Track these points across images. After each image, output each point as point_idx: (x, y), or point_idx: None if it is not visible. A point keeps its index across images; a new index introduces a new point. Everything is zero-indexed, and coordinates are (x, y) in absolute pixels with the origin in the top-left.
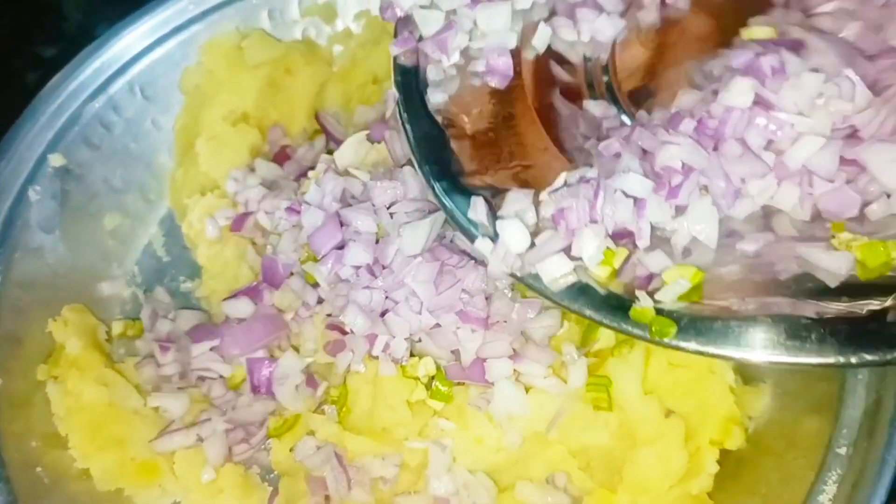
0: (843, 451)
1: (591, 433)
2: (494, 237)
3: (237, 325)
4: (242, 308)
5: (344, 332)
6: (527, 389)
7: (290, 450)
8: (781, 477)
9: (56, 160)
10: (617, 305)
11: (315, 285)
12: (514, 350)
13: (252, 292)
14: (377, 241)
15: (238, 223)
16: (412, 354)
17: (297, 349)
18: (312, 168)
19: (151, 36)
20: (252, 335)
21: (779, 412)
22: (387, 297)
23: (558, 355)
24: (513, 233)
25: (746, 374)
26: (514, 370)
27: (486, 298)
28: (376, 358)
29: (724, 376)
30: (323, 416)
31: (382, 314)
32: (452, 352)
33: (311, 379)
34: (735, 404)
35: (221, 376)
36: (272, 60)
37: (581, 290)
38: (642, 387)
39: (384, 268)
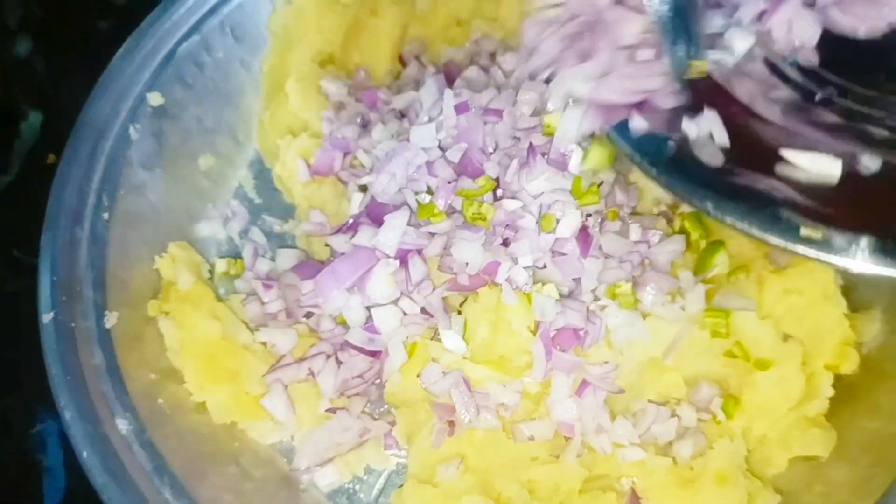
0: None
1: (705, 359)
2: None
3: (338, 261)
4: (345, 244)
5: None
6: (644, 316)
7: (417, 376)
8: None
9: (155, 99)
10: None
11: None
12: (633, 277)
13: (352, 229)
14: None
15: (327, 164)
16: (535, 282)
17: None
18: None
19: None
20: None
21: (892, 336)
22: (507, 227)
23: (677, 281)
24: None
25: (856, 300)
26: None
27: None
28: (498, 286)
29: (838, 301)
30: (441, 342)
31: (505, 243)
32: (574, 280)
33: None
34: (849, 329)
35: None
36: (359, 1)
37: None
38: (758, 313)
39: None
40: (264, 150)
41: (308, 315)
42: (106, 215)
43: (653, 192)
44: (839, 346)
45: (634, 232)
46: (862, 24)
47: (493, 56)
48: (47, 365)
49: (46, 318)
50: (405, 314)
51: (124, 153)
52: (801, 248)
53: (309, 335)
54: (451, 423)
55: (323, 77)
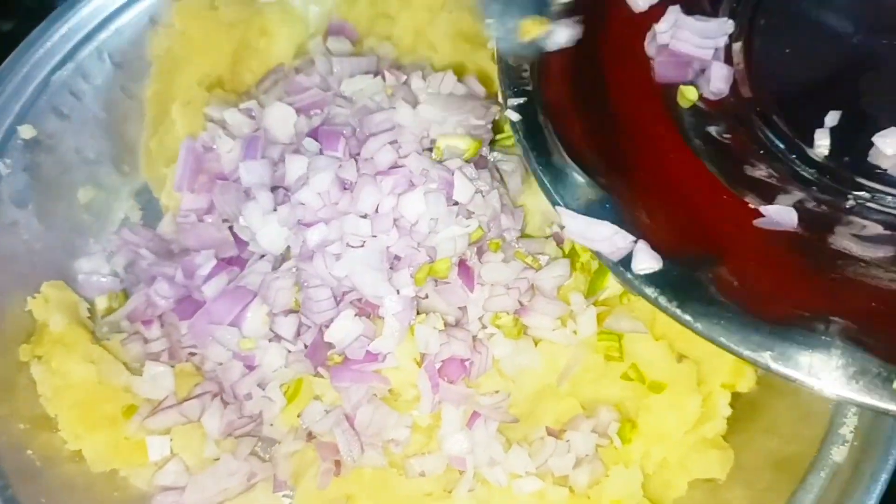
0: None
1: (602, 384)
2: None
3: (211, 301)
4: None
5: None
6: (536, 342)
7: (298, 416)
8: (798, 415)
9: (26, 132)
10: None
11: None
12: (521, 303)
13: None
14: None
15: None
16: (418, 312)
17: None
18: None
19: (118, 0)
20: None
21: None
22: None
23: (567, 306)
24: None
25: None
26: (523, 323)
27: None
28: (381, 318)
29: None
30: (326, 379)
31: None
32: (460, 308)
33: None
34: None
35: None
36: (246, 20)
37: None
38: (651, 333)
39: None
40: (151, 178)
41: (192, 354)
42: None
43: (542, 213)
44: (735, 364)
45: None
46: None
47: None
48: None
49: None
50: (289, 352)
51: None
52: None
53: (195, 374)
54: (338, 463)
55: (210, 102)
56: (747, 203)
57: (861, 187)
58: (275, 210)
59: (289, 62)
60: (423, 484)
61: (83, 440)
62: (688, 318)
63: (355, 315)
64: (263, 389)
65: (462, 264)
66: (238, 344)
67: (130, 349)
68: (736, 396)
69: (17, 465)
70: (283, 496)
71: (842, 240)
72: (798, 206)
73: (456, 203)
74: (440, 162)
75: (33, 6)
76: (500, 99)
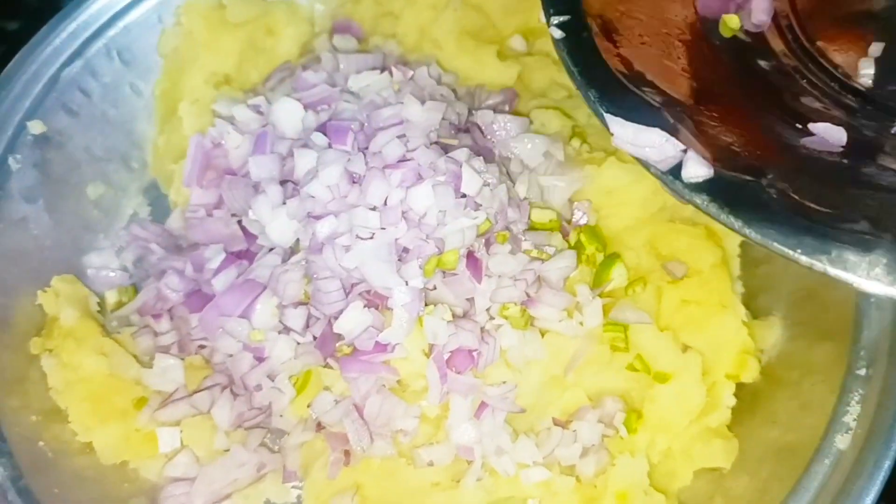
0: (862, 371)
1: (608, 374)
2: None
3: (221, 294)
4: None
5: None
6: (542, 333)
7: (307, 406)
8: (800, 404)
9: (35, 127)
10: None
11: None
12: (528, 295)
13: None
14: None
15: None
16: (427, 303)
17: None
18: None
19: None
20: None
21: (791, 343)
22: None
23: (573, 297)
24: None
25: (755, 307)
26: (530, 314)
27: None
28: (389, 309)
29: (737, 310)
30: (336, 370)
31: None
32: (468, 299)
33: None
34: (748, 337)
35: None
36: (253, 19)
37: None
38: (656, 324)
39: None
40: (159, 175)
41: (202, 347)
42: None
43: (547, 205)
44: (739, 354)
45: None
46: None
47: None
48: None
49: None
50: (298, 344)
51: (3, 185)
52: None
53: (204, 366)
54: (347, 453)
55: (217, 99)
56: (795, 124)
57: None
58: (284, 203)
59: (295, 60)
60: (431, 473)
61: (94, 432)
62: (739, 223)
63: (364, 306)
64: (273, 381)
65: (470, 256)
66: (248, 336)
67: (141, 342)
68: (740, 386)
69: (29, 457)
70: (293, 487)
71: (888, 160)
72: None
73: (464, 195)
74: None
75: (39, 6)
76: (543, 18)
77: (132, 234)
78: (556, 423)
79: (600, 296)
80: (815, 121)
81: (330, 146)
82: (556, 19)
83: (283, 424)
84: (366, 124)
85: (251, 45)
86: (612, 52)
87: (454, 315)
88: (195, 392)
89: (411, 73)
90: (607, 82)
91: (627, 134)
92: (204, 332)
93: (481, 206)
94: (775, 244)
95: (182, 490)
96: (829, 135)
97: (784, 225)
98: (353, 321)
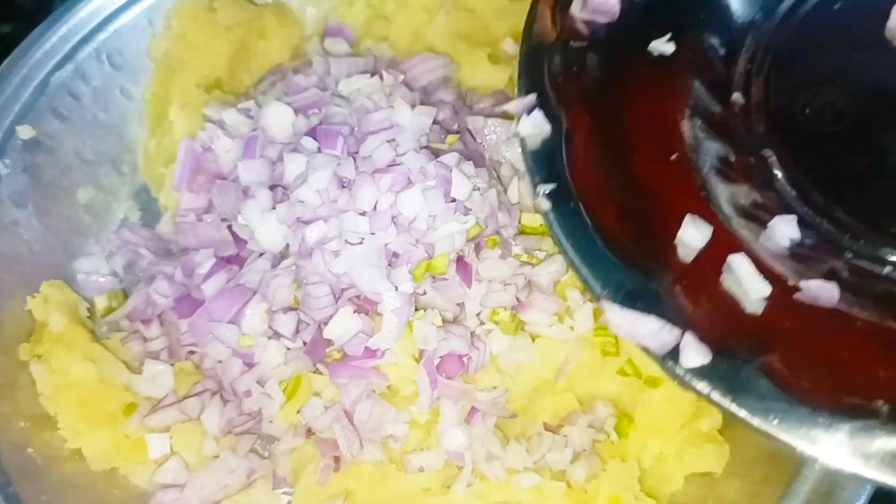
0: None
1: (599, 379)
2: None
3: (210, 300)
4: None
5: None
6: (533, 338)
7: (297, 412)
8: None
9: (25, 132)
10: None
11: None
12: (518, 300)
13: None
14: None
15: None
16: (417, 308)
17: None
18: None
19: (118, 1)
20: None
21: None
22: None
23: (563, 302)
24: None
25: None
26: (520, 319)
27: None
28: (379, 314)
29: None
30: (325, 376)
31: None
32: (458, 304)
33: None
34: None
35: None
36: (244, 23)
37: None
38: None
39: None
40: (150, 179)
41: (191, 352)
42: None
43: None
44: None
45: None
46: None
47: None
48: None
49: None
50: (288, 349)
51: None
52: None
53: (194, 372)
54: (337, 459)
55: (208, 103)
56: (786, 280)
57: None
58: (273, 208)
59: (286, 64)
60: (421, 479)
61: (83, 438)
62: (744, 413)
63: (354, 312)
64: (263, 386)
65: (460, 261)
66: (237, 341)
67: (130, 348)
68: None
69: (18, 464)
70: (283, 493)
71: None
72: (836, 276)
73: (454, 200)
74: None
75: (31, 9)
76: (531, 185)
77: (122, 239)
78: (546, 427)
79: (591, 300)
80: (806, 267)
81: (319, 150)
82: (542, 188)
83: (273, 430)
84: (356, 128)
85: (242, 48)
86: (601, 219)
87: (444, 320)
88: (185, 398)
89: (402, 76)
90: (597, 258)
91: (625, 322)
92: (193, 337)
93: (471, 210)
94: (780, 434)
95: (172, 496)
96: (821, 292)
97: (786, 414)
98: (343, 326)
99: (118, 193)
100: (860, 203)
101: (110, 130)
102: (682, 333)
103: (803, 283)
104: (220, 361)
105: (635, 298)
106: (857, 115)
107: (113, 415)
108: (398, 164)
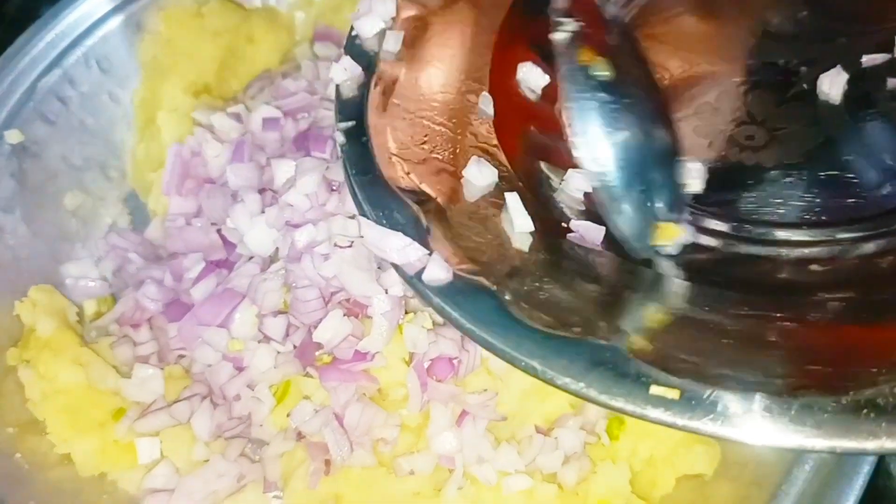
0: None
1: None
2: None
3: (199, 304)
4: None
5: None
6: None
7: (287, 416)
8: None
9: (13, 136)
10: None
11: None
12: None
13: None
14: None
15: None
16: (406, 311)
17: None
18: None
19: (105, 6)
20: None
21: None
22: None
23: None
24: None
25: None
26: None
27: None
28: (369, 317)
29: None
30: (315, 379)
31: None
32: None
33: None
34: None
35: None
36: (233, 28)
37: None
38: None
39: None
40: (138, 184)
41: (181, 356)
42: None
43: None
44: None
45: None
46: None
47: None
48: None
49: None
50: (278, 353)
51: None
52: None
53: (184, 376)
54: (327, 463)
55: (197, 107)
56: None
57: None
58: (262, 212)
59: (275, 68)
60: (412, 482)
61: (72, 444)
62: (471, 327)
63: (343, 315)
64: (252, 390)
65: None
66: (227, 346)
67: (119, 352)
68: None
69: (5, 470)
70: (273, 497)
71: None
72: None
73: None
74: None
75: (17, 15)
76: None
77: (111, 244)
78: (537, 430)
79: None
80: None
81: (308, 154)
82: (342, 125)
83: (263, 434)
84: None
85: (231, 53)
86: (383, 154)
87: (434, 323)
88: (174, 402)
89: None
90: (372, 186)
91: (374, 236)
92: (183, 341)
93: None
94: (498, 346)
95: (162, 501)
96: (589, 233)
97: (507, 330)
98: (333, 330)
99: (106, 198)
100: None
101: (98, 135)
102: (430, 254)
103: (573, 223)
104: (210, 365)
105: (395, 223)
106: None
107: (102, 420)
108: None
